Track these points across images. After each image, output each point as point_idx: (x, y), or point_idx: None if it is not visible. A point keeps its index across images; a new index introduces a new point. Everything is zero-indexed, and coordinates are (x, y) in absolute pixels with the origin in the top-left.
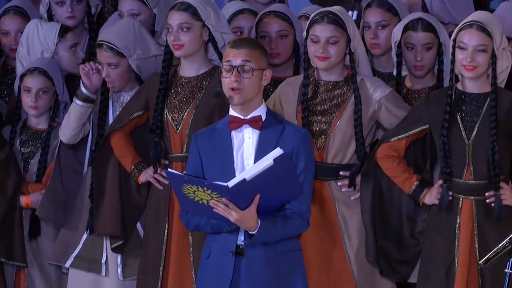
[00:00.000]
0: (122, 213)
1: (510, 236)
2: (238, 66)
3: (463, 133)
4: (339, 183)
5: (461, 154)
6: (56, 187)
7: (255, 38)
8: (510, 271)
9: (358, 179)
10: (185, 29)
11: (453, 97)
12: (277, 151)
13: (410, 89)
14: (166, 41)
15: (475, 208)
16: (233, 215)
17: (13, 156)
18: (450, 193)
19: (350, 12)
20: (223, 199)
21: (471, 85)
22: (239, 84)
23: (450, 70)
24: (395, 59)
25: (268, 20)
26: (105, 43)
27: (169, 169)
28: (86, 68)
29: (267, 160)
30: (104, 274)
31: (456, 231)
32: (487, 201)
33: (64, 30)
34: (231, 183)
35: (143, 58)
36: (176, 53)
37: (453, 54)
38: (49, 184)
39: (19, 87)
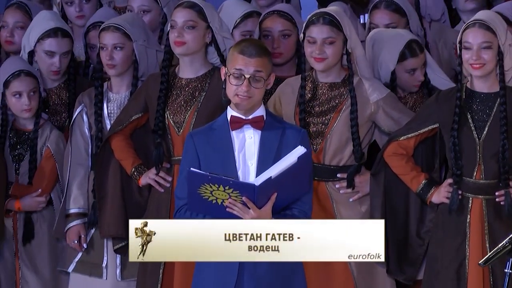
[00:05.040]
0: (125, 215)
1: (510, 236)
2: (250, 76)
3: (473, 132)
4: (337, 185)
5: (471, 154)
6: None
7: (259, 37)
8: (510, 271)
9: (357, 180)
10: (190, 27)
11: (463, 97)
12: (300, 150)
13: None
14: (167, 40)
15: (485, 207)
16: (251, 213)
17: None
18: (460, 192)
19: (361, 17)
20: (243, 198)
21: (481, 85)
22: (249, 93)
23: (458, 72)
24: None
25: (271, 20)
26: (112, 25)
27: (192, 169)
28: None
29: (292, 158)
30: (105, 278)
31: (467, 230)
32: (497, 199)
33: (53, 33)
34: (257, 182)
35: (147, 47)
36: (177, 50)
37: (460, 56)
38: (62, 205)
39: (3, 93)
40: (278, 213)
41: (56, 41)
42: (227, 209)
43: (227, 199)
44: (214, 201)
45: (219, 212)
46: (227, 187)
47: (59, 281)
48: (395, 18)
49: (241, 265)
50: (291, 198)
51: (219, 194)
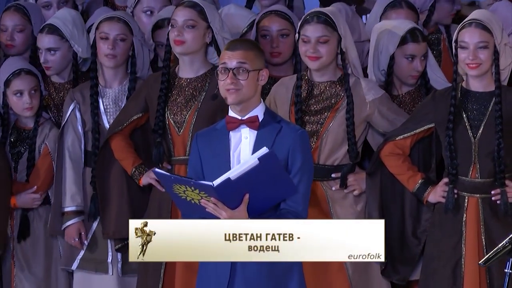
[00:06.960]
0: (129, 215)
1: (510, 236)
2: (234, 68)
3: (469, 131)
4: (333, 188)
5: (467, 153)
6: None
7: (255, 37)
8: (510, 271)
9: (352, 178)
10: (190, 26)
11: (459, 96)
12: (263, 150)
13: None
14: (167, 39)
15: (481, 206)
16: (223, 214)
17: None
18: (456, 191)
19: (363, 17)
20: (212, 198)
21: (477, 84)
22: (236, 86)
23: (454, 71)
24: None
25: (269, 19)
26: (116, 16)
27: (156, 169)
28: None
29: (252, 159)
30: (111, 274)
31: (463, 229)
32: (493, 198)
33: (45, 30)
34: (216, 182)
35: (143, 44)
36: (176, 49)
37: (456, 55)
38: (53, 202)
39: (4, 92)
40: (265, 213)
41: (49, 38)
42: (206, 209)
43: (200, 199)
44: (193, 201)
45: (203, 211)
46: (192, 188)
47: (53, 280)
48: (416, 18)
49: (233, 266)
50: (275, 199)
51: (191, 194)
